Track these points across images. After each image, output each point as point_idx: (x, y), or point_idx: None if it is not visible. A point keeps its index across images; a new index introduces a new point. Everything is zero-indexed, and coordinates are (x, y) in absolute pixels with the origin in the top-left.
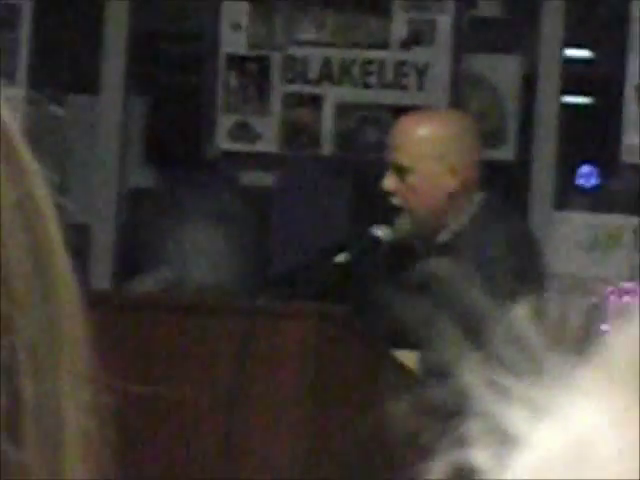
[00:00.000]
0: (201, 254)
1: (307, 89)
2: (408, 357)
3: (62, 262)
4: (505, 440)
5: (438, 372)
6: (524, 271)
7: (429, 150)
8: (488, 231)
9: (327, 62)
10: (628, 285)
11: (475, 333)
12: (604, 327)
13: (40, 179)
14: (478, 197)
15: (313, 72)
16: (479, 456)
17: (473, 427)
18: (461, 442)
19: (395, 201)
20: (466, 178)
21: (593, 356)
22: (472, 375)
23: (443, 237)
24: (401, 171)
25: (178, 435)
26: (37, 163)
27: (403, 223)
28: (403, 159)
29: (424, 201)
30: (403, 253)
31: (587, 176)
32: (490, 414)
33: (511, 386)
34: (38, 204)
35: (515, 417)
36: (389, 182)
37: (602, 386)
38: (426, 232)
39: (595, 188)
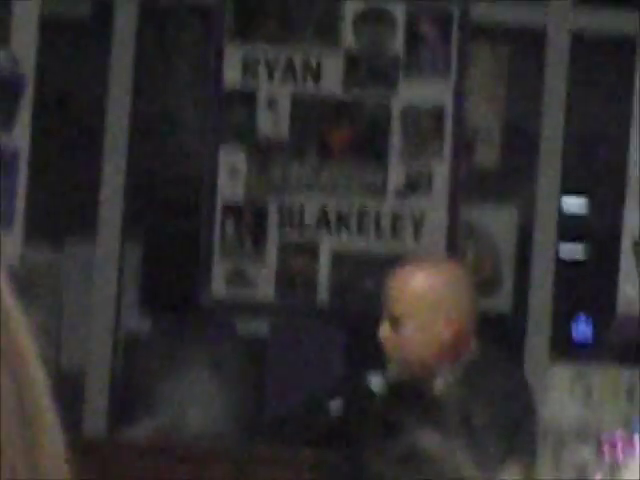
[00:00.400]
0: (196, 401)
1: (303, 238)
2: None
3: (47, 413)
4: None
5: None
6: (519, 424)
7: (424, 300)
8: (484, 385)
9: (323, 210)
10: (621, 435)
11: None
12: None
13: (24, 325)
14: (473, 348)
15: (309, 221)
16: None
17: None
18: None
19: (387, 351)
20: (461, 329)
21: None
22: None
23: (437, 389)
24: (395, 320)
25: None
26: (24, 309)
27: (394, 373)
28: (397, 308)
29: (417, 352)
30: (396, 404)
31: (583, 328)
32: None
33: None
34: (22, 351)
35: None
36: (384, 332)
37: None
38: (418, 383)
39: (591, 340)
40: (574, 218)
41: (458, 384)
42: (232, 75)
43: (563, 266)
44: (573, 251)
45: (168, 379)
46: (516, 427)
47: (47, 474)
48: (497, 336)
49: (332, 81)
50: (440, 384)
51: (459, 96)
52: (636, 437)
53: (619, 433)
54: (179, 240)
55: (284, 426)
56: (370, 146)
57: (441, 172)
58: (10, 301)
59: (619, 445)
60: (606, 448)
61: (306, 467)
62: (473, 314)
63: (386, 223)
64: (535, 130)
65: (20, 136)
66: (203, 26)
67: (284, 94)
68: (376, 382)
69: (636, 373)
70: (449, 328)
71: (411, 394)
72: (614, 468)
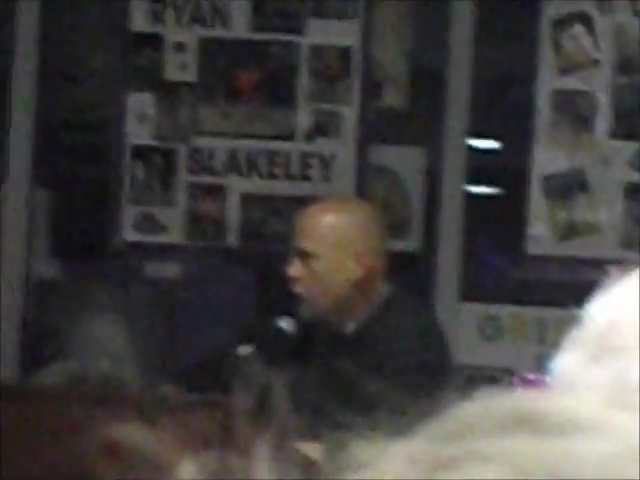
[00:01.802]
0: (106, 346)
1: (212, 180)
2: (312, 448)
3: None
4: None
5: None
6: (431, 364)
7: (334, 237)
8: (395, 323)
9: (232, 153)
10: (532, 376)
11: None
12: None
13: None
14: (384, 288)
15: (218, 163)
16: None
17: None
18: None
19: (298, 289)
20: (371, 267)
21: None
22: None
23: (349, 328)
24: (305, 258)
25: None
26: None
27: (306, 311)
28: (307, 246)
29: (328, 289)
30: (308, 344)
31: (492, 267)
32: None
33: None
34: None
35: None
36: (293, 269)
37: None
38: (330, 321)
39: (500, 279)
40: (483, 159)
41: (370, 323)
42: (139, 19)
43: (472, 206)
44: (482, 191)
45: (78, 324)
46: (428, 364)
47: None
48: (407, 276)
49: (240, 23)
50: (352, 323)
51: (367, 37)
52: (548, 378)
53: (530, 374)
54: (88, 185)
55: (194, 371)
56: (278, 88)
57: (349, 113)
58: None
59: (531, 386)
60: (517, 385)
61: (215, 412)
62: (383, 254)
63: (295, 165)
64: (442, 71)
65: None
66: None
67: (191, 37)
68: (287, 324)
69: (546, 313)
70: (359, 266)
71: (324, 333)
72: None
